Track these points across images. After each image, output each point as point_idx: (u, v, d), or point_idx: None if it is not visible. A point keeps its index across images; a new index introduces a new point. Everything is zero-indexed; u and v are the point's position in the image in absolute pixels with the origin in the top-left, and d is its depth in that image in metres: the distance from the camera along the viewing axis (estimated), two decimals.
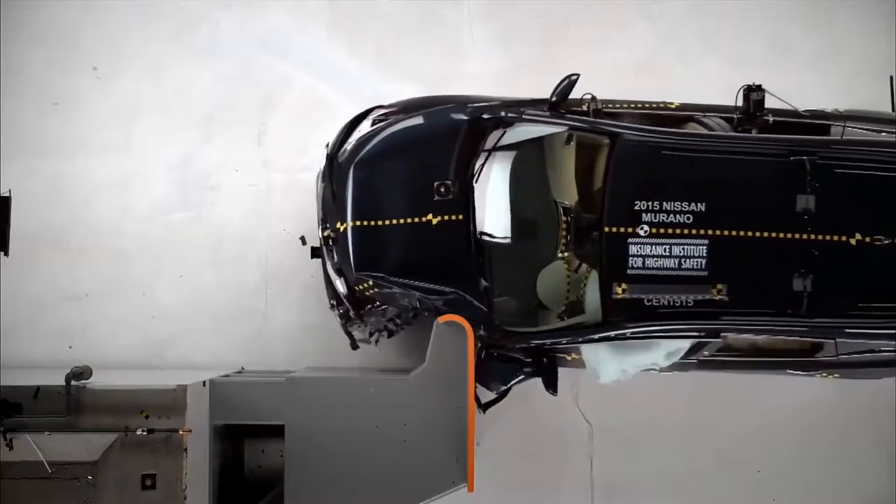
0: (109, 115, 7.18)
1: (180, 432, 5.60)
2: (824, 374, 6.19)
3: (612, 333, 5.66)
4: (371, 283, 5.96)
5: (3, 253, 6.97)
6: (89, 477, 5.55)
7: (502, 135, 5.96)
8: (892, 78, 6.39)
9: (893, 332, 5.57)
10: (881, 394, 7.09)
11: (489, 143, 5.95)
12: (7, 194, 6.64)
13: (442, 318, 5.84)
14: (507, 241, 5.88)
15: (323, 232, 6.10)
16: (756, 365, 6.14)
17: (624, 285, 5.56)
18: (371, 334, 6.41)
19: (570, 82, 5.97)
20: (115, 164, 7.18)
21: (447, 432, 5.79)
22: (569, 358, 6.08)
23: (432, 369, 5.85)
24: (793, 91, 7.02)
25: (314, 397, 5.88)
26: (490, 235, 5.88)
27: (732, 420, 7.10)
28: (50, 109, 7.12)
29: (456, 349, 5.84)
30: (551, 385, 6.02)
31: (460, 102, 6.15)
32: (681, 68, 7.31)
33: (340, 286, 6.09)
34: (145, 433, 5.55)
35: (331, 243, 6.05)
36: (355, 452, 5.79)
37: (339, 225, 5.99)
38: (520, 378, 6.14)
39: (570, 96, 6.03)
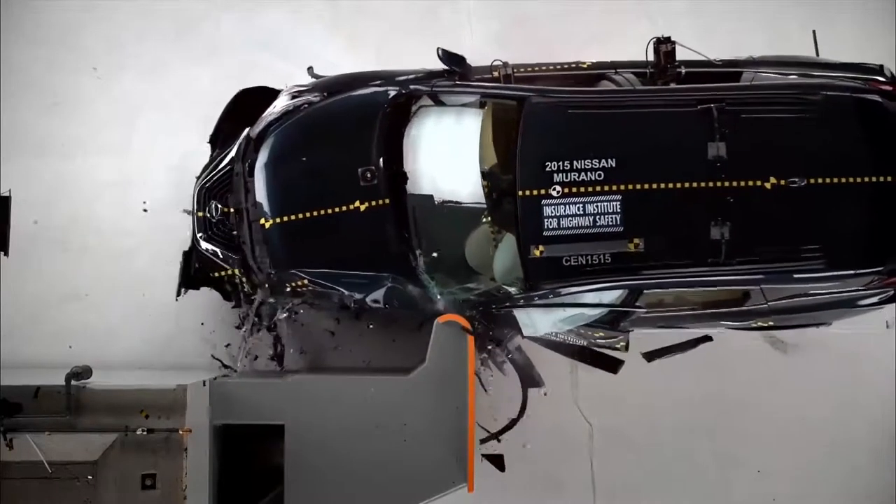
0: (109, 115, 7.18)
1: (180, 432, 5.60)
2: (758, 324, 6.20)
3: (537, 300, 5.68)
4: (306, 280, 5.97)
5: (3, 253, 6.98)
6: (89, 477, 5.56)
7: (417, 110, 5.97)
8: (814, 32, 6.38)
9: (817, 273, 5.53)
10: (881, 394, 7.10)
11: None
12: (7, 194, 6.65)
13: (442, 318, 5.84)
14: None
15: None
16: (691, 319, 6.10)
17: (541, 247, 5.56)
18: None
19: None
20: (115, 164, 7.18)
21: (447, 432, 5.79)
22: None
23: (432, 369, 5.85)
24: None
25: (314, 397, 5.87)
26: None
27: (732, 420, 7.10)
28: (50, 109, 7.12)
29: (456, 349, 5.84)
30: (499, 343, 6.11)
31: (373, 78, 6.12)
32: None
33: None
34: (145, 433, 5.56)
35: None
36: (355, 452, 5.79)
37: (263, 221, 5.95)
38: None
39: (482, 64, 6.05)
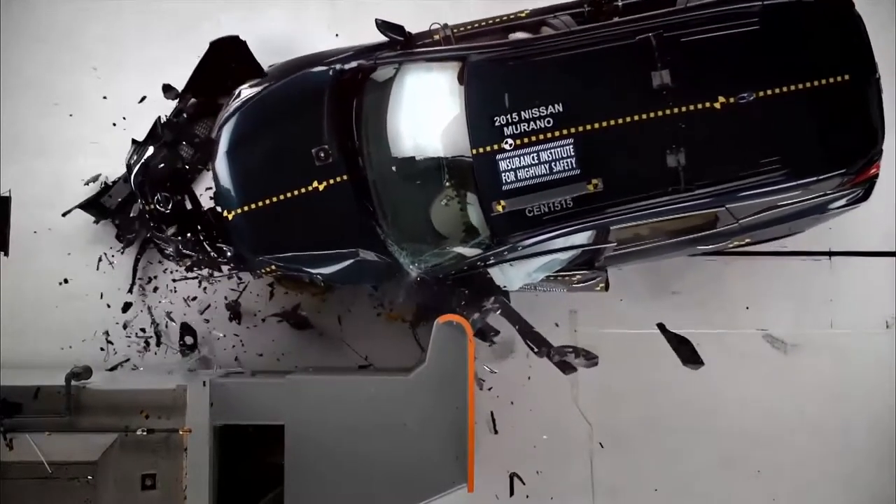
0: (109, 115, 7.17)
1: (180, 432, 5.61)
2: (734, 244, 6.21)
3: (506, 255, 5.70)
4: (273, 266, 6.02)
5: (3, 253, 6.98)
6: (89, 477, 5.57)
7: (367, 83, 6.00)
8: None
9: (781, 185, 5.52)
10: (881, 394, 7.10)
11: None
12: (7, 194, 6.65)
13: (442, 318, 5.85)
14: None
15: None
16: (666, 249, 6.11)
17: (502, 202, 5.56)
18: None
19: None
20: (115, 165, 7.17)
21: (447, 432, 5.79)
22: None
23: (432, 369, 5.85)
24: None
25: (314, 397, 5.88)
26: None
27: (732, 420, 7.10)
28: (50, 109, 7.12)
29: (456, 349, 5.84)
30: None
31: (315, 61, 6.15)
32: None
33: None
34: (145, 433, 5.56)
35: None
36: (355, 452, 5.79)
37: (226, 213, 6.02)
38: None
39: (421, 29, 6.09)
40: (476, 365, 6.74)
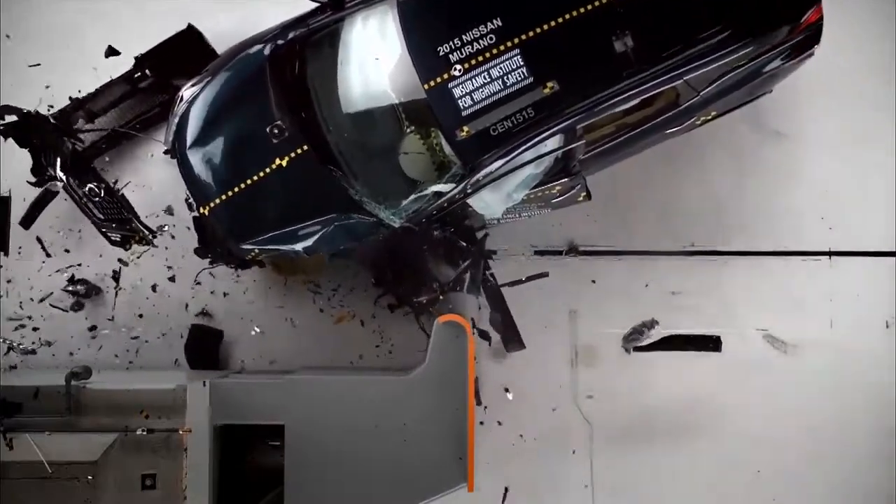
0: None
1: (180, 432, 5.61)
2: (702, 119, 6.23)
3: (483, 180, 5.70)
4: (256, 250, 6.06)
5: (2, 253, 6.97)
6: (89, 477, 5.57)
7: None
8: None
9: (727, 47, 5.55)
10: (881, 394, 7.10)
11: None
12: (7, 194, 6.64)
13: (442, 319, 5.85)
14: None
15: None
16: (636, 139, 6.12)
17: (465, 128, 5.60)
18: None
19: None
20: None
21: (447, 432, 5.79)
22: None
23: (432, 369, 5.85)
24: (792, 90, 7.07)
25: (314, 397, 5.88)
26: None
27: (732, 420, 7.10)
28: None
29: (456, 349, 5.84)
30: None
31: (250, 44, 6.19)
32: None
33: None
34: (145, 433, 5.56)
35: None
36: (355, 452, 5.79)
37: (202, 208, 6.08)
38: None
39: None
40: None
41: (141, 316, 7.09)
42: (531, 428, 7.11)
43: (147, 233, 6.57)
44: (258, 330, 7.09)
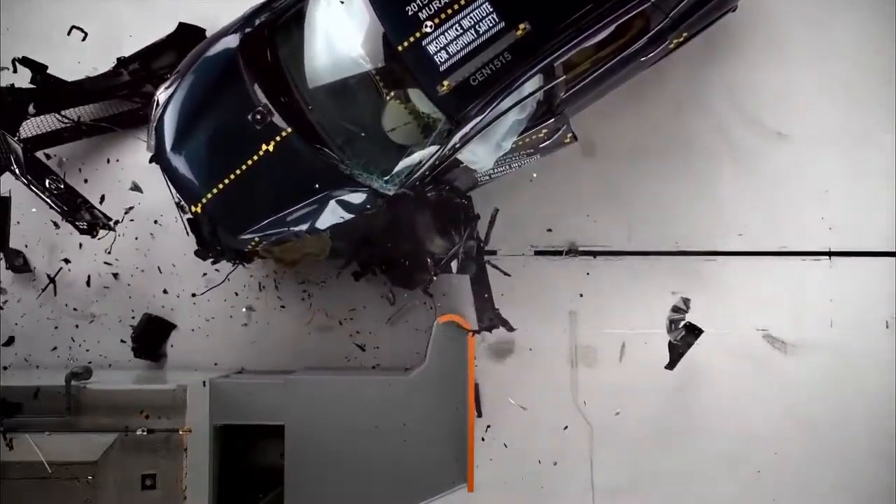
0: None
1: (180, 432, 5.61)
2: (675, 42, 6.27)
3: (470, 132, 5.70)
4: (257, 239, 6.03)
5: (2, 253, 6.97)
6: (89, 477, 5.56)
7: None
8: None
9: None
10: (881, 394, 7.10)
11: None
12: (7, 194, 6.64)
13: (442, 318, 5.85)
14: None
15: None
16: (613, 71, 6.14)
17: (445, 82, 5.60)
18: None
19: None
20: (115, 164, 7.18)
21: (447, 432, 5.80)
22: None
23: (432, 369, 5.86)
24: (792, 91, 7.08)
25: (314, 397, 5.89)
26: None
27: (732, 420, 7.10)
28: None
29: (456, 349, 5.85)
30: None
31: (218, 37, 6.22)
32: None
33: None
34: (145, 433, 5.56)
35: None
36: (355, 453, 5.80)
37: (193, 208, 6.07)
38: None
39: None
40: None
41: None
42: (531, 429, 7.10)
43: (107, 220, 6.56)
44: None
